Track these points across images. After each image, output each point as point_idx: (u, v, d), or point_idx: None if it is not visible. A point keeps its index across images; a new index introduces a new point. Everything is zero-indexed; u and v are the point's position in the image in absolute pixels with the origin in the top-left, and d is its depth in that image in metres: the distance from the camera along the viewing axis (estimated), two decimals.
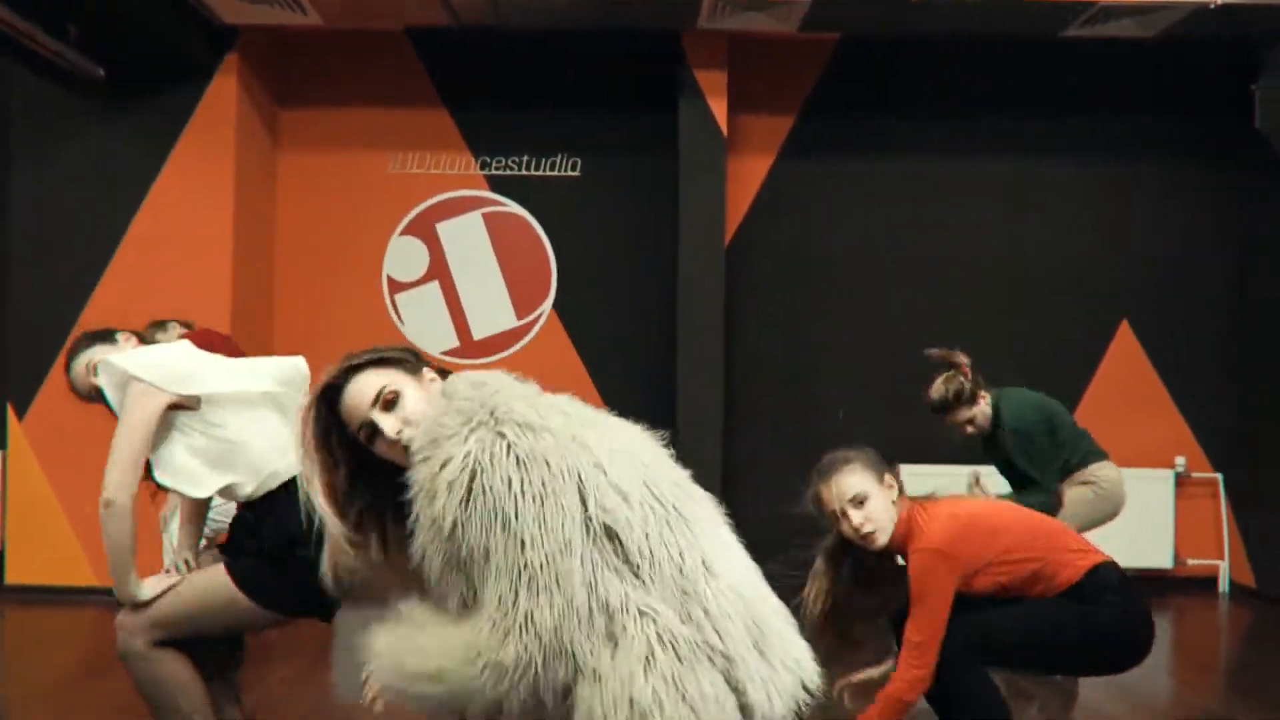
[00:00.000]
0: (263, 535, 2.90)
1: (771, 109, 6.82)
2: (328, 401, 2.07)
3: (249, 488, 2.92)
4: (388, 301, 6.77)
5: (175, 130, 6.10)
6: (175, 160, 6.10)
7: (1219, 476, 6.82)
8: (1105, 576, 2.92)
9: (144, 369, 2.87)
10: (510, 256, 6.80)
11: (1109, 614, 2.89)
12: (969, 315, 6.71)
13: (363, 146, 6.77)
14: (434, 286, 6.79)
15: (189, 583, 2.89)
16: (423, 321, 6.77)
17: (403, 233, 6.75)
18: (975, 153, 6.85)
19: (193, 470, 2.94)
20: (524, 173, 6.80)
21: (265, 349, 6.49)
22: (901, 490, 2.98)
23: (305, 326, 6.49)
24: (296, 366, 3.07)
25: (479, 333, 6.78)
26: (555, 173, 6.79)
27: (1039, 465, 4.38)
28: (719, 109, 6.31)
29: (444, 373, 2.14)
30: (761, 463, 6.77)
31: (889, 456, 3.05)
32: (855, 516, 2.89)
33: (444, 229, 6.78)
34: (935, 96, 6.86)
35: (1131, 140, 6.85)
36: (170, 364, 2.91)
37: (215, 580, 2.87)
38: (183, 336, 3.88)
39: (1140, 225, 6.86)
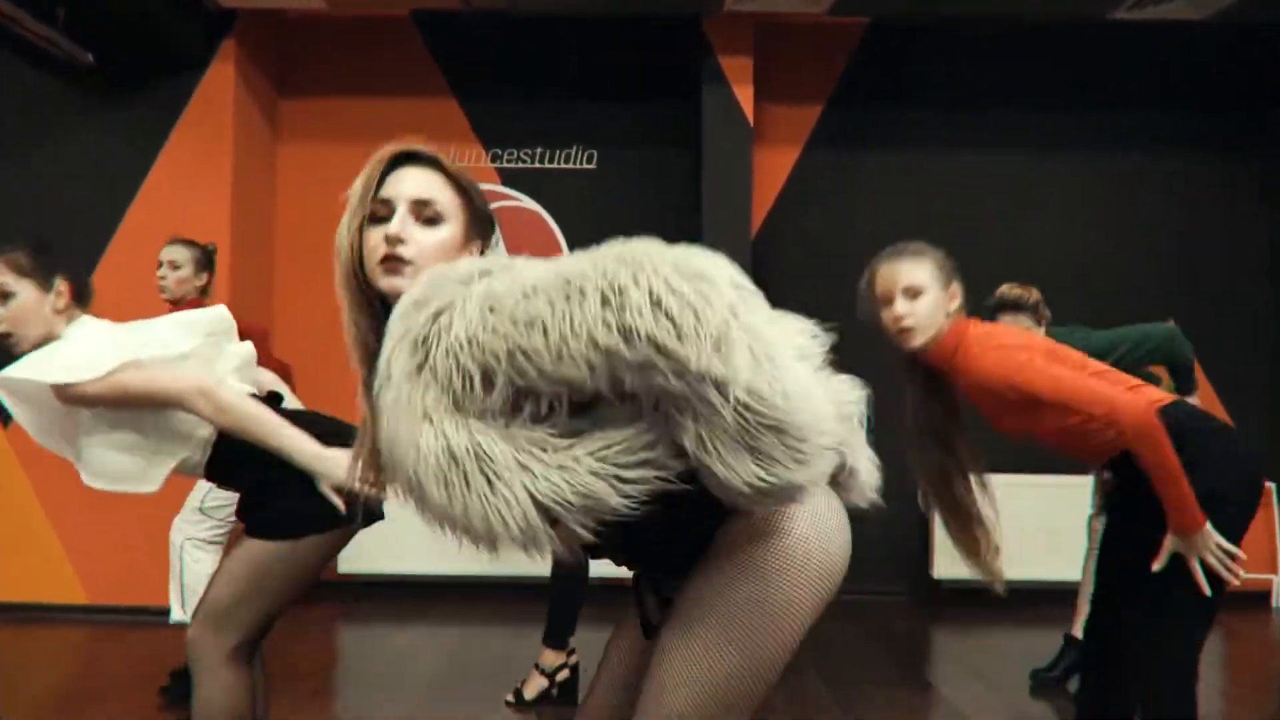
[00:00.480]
0: (244, 479, 2.73)
1: (798, 99, 6.57)
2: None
3: (197, 455, 2.74)
4: None
5: (169, 120, 5.82)
6: (169, 152, 5.83)
7: (1272, 486, 6.51)
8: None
9: (60, 373, 2.61)
10: (522, 253, 6.47)
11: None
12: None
13: (367, 138, 6.35)
14: None
15: (234, 560, 2.66)
16: None
17: None
18: (1007, 145, 6.61)
19: (131, 469, 2.77)
20: (537, 165, 6.55)
21: (266, 348, 6.21)
22: (962, 309, 2.72)
23: (305, 325, 6.19)
24: (222, 315, 2.87)
25: None
26: (570, 165, 6.54)
27: None
28: (745, 96, 6.05)
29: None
30: None
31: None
32: (901, 307, 2.69)
33: None
34: (967, 87, 6.63)
35: (1170, 136, 6.61)
36: (78, 357, 2.64)
37: (250, 550, 2.65)
38: None
39: (1179, 220, 6.62)
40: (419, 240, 1.77)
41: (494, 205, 6.41)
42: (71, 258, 2.83)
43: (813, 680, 4.65)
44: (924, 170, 6.62)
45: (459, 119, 6.52)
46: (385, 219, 1.79)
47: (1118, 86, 6.63)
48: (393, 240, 1.74)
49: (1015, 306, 4.48)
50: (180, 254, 4.24)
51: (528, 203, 6.52)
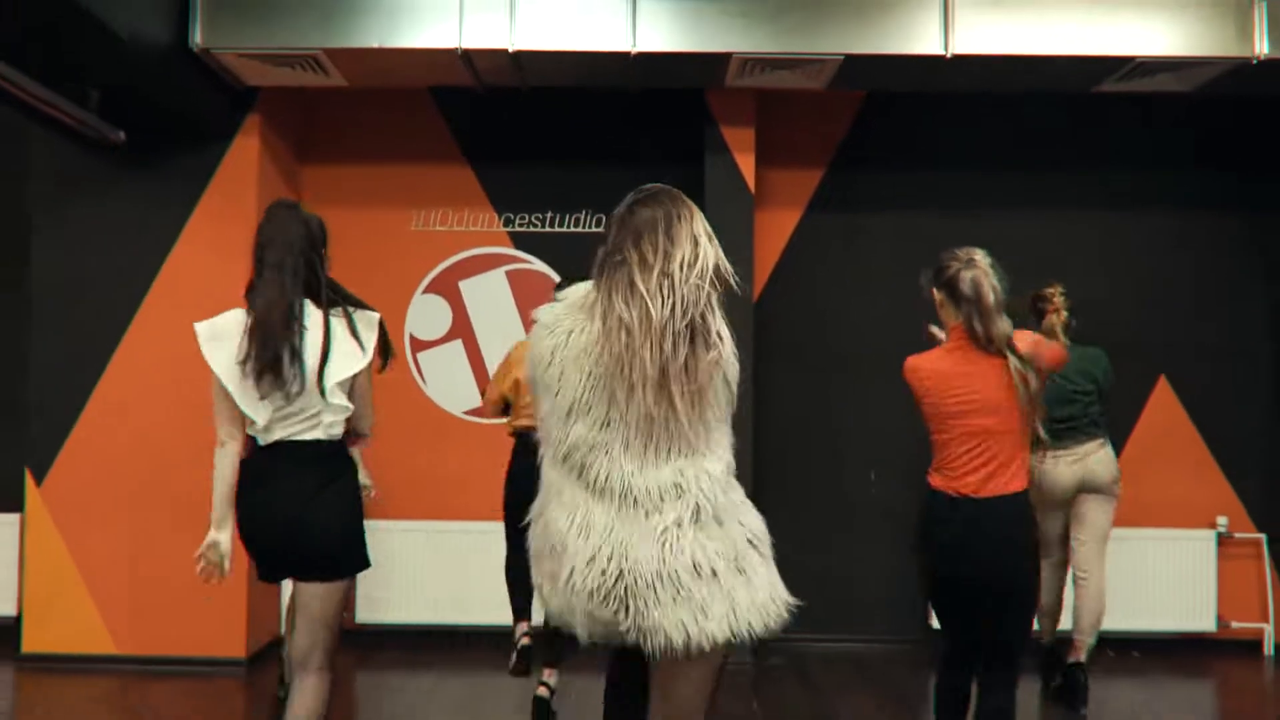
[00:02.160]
0: None
1: (799, 163, 6.79)
2: None
3: None
4: (410, 360, 6.73)
5: (196, 191, 6.05)
6: (196, 222, 6.05)
7: (1263, 537, 6.69)
8: None
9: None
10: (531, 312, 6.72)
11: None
12: None
13: (385, 203, 6.73)
14: (457, 345, 6.75)
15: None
16: (445, 380, 6.74)
17: (425, 290, 6.72)
18: (1006, 206, 6.78)
19: None
20: (548, 229, 6.76)
21: None
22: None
23: None
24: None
25: None
26: (579, 229, 6.74)
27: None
28: (746, 166, 6.26)
29: None
30: (792, 521, 6.65)
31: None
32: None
33: (467, 286, 6.74)
34: (964, 150, 6.82)
35: (1165, 194, 6.78)
36: None
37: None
38: None
39: (1177, 281, 6.79)
40: None
41: (506, 267, 6.70)
42: None
43: None
44: (922, 232, 6.68)
45: (473, 185, 6.75)
46: None
47: (1111, 149, 6.80)
48: None
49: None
50: None
51: (538, 264, 6.72)
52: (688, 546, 2.47)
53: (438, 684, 5.65)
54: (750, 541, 2.57)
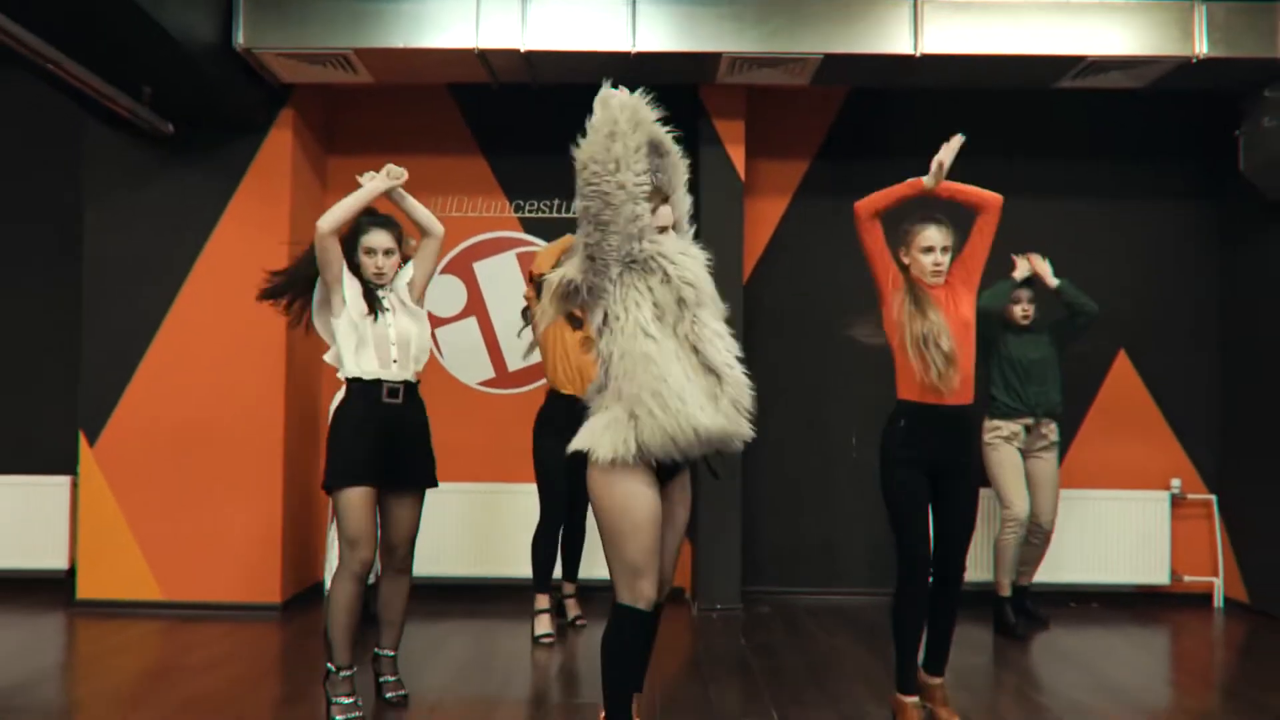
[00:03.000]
0: None
1: (787, 154, 7.25)
2: None
3: None
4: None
5: (235, 179, 6.55)
6: (235, 206, 6.54)
7: (1213, 498, 7.18)
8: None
9: None
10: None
11: None
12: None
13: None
14: (471, 321, 7.23)
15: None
16: (461, 354, 7.22)
17: (442, 271, 7.18)
18: None
19: None
20: (555, 215, 7.24)
21: (316, 379, 6.95)
22: None
23: None
24: None
25: (513, 364, 7.19)
26: None
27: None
28: (737, 156, 6.72)
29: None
30: (779, 484, 7.17)
31: None
32: (941, 258, 4.32)
33: (480, 268, 7.23)
34: (940, 140, 7.10)
35: (1126, 183, 7.26)
36: None
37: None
38: None
39: (1136, 262, 7.25)
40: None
41: (517, 250, 7.16)
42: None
43: (803, 677, 5.33)
44: (902, 218, 7.23)
45: (487, 175, 7.24)
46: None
47: (1076, 140, 7.27)
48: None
49: (1024, 283, 6.29)
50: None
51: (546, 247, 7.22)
52: None
53: (454, 630, 6.14)
54: None
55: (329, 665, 4.22)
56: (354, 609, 4.18)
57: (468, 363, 7.23)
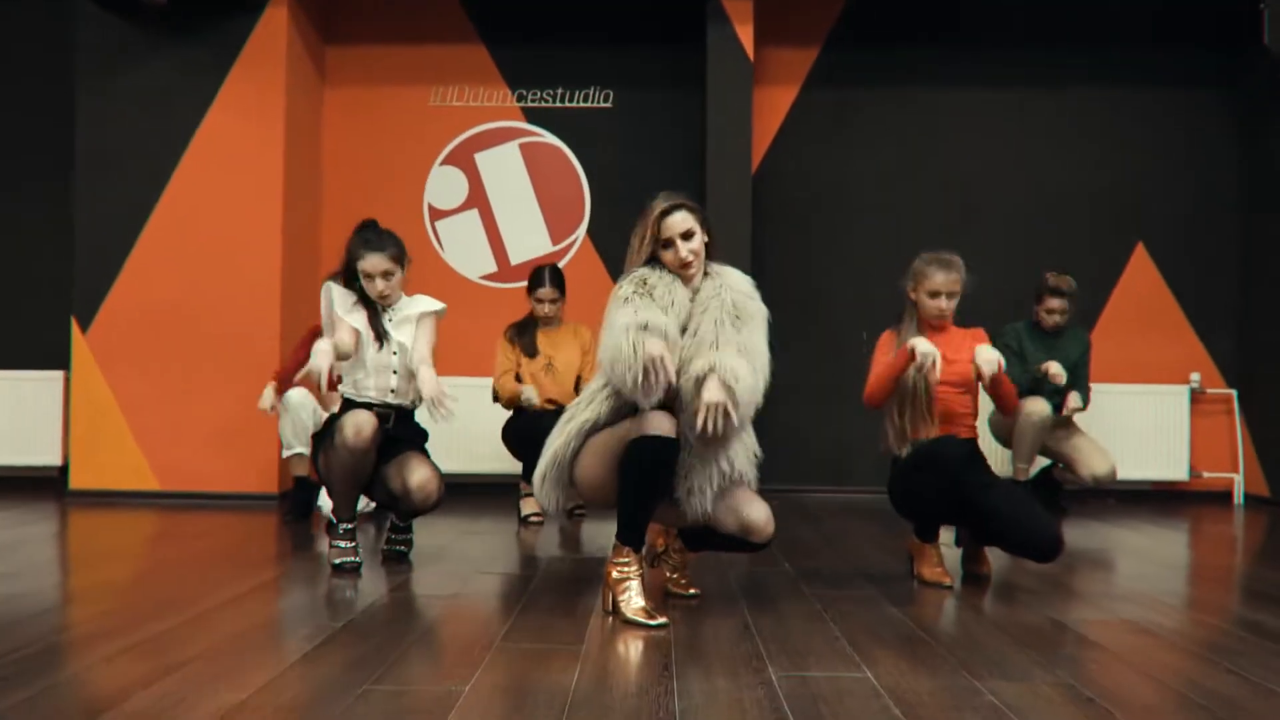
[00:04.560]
0: None
1: (797, 41, 7.06)
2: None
3: None
4: (429, 228, 7.05)
5: (228, 60, 6.36)
6: (229, 89, 6.37)
7: (1233, 392, 7.02)
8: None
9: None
10: (546, 185, 7.07)
11: None
12: (989, 240, 6.93)
13: (405, 81, 7.05)
14: (473, 214, 7.06)
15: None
16: (462, 247, 7.06)
17: (443, 163, 7.03)
18: (992, 82, 7.07)
19: None
20: (559, 105, 7.06)
21: (313, 272, 6.79)
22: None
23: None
24: None
25: (516, 258, 7.05)
26: (589, 104, 7.05)
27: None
28: (745, 36, 6.53)
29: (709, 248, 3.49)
30: (787, 386, 6.99)
31: None
32: (946, 305, 3.97)
33: (482, 159, 7.05)
34: (954, 27, 7.08)
35: (1143, 68, 7.06)
36: None
37: None
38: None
39: (1153, 151, 7.06)
40: (693, 248, 3.41)
41: (520, 140, 7.00)
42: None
43: (817, 545, 5.18)
44: (915, 108, 7.07)
45: (488, 63, 7.06)
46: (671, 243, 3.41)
47: (1103, 25, 7.04)
48: (687, 255, 3.40)
49: (1056, 291, 6.04)
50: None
51: (550, 138, 7.05)
52: None
53: (462, 513, 6.00)
54: None
55: (330, 517, 4.11)
56: (353, 471, 4.03)
57: (469, 256, 7.08)
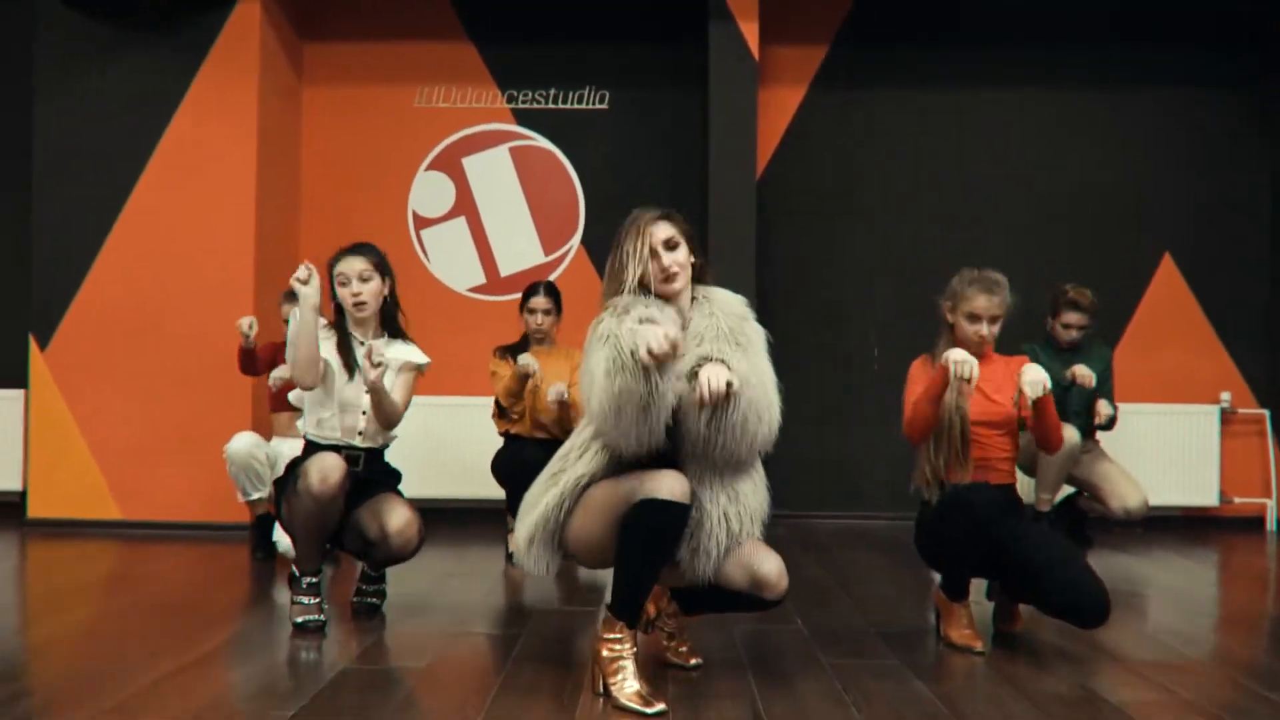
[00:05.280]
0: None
1: (804, 38, 6.69)
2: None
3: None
4: (413, 237, 6.68)
5: (196, 60, 5.99)
6: (197, 90, 6.00)
7: (1266, 413, 6.64)
8: None
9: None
10: (537, 191, 6.69)
11: None
12: (1007, 249, 6.55)
13: (388, 80, 6.67)
14: (460, 222, 6.69)
15: None
16: (449, 258, 6.68)
17: (428, 167, 6.66)
18: (1012, 83, 6.71)
19: None
20: (551, 106, 6.70)
21: (287, 276, 6.40)
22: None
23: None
24: None
25: (506, 269, 6.68)
26: (583, 105, 6.69)
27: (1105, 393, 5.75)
28: (750, 33, 6.15)
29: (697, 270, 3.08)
30: (793, 404, 6.60)
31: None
32: (987, 331, 3.60)
33: (470, 163, 6.68)
34: (973, 24, 6.71)
35: (1168, 71, 6.69)
36: None
37: None
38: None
39: (1180, 158, 6.70)
40: (677, 260, 2.99)
41: (510, 144, 6.63)
42: None
43: (829, 585, 4.81)
44: (931, 110, 6.70)
45: (476, 62, 6.67)
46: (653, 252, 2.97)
47: (1118, 23, 6.70)
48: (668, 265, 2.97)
49: (1074, 305, 5.64)
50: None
51: (542, 141, 6.67)
52: None
53: (433, 552, 5.63)
54: None
55: (293, 569, 3.72)
56: (317, 521, 3.63)
57: (456, 267, 6.70)
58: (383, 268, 3.89)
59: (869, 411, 6.63)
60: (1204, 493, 6.52)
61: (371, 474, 3.88)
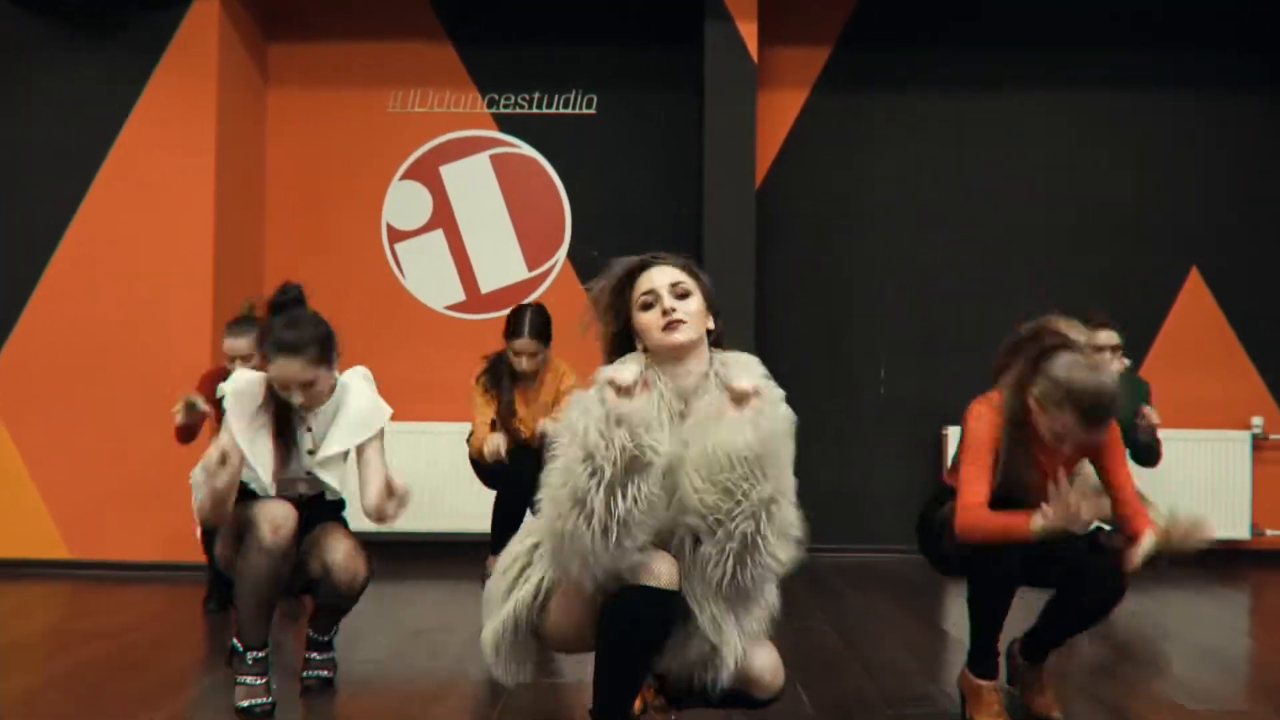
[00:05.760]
0: None
1: (805, 39, 6.48)
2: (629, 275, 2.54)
3: None
4: (387, 251, 6.43)
5: (149, 63, 5.73)
6: (151, 93, 5.74)
7: None
8: None
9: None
10: (520, 202, 6.46)
11: None
12: (1018, 261, 6.41)
13: (360, 83, 6.45)
14: (437, 235, 6.46)
15: None
16: (425, 273, 6.44)
17: (403, 176, 6.44)
18: (1024, 86, 6.50)
19: None
20: (535, 110, 6.48)
21: (250, 293, 6.11)
22: None
23: (296, 278, 6.02)
24: None
25: (486, 285, 6.44)
26: (569, 110, 6.48)
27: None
28: (749, 34, 5.90)
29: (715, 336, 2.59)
30: (797, 433, 6.30)
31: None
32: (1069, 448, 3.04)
33: (448, 172, 6.45)
34: (984, 25, 6.49)
35: (1191, 73, 6.46)
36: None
37: None
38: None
39: (1207, 165, 6.46)
40: (688, 309, 2.50)
41: (491, 151, 6.34)
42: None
43: (828, 632, 4.47)
44: (939, 115, 6.50)
45: (454, 63, 6.46)
46: (656, 297, 2.49)
47: (1136, 24, 6.49)
48: (673, 308, 2.48)
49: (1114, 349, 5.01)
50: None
51: (526, 149, 6.47)
52: None
53: (407, 595, 5.27)
54: None
55: (235, 642, 3.30)
56: (270, 579, 3.22)
57: (433, 283, 6.46)
58: (325, 358, 3.29)
59: (876, 438, 6.40)
60: (1235, 525, 6.24)
61: (316, 511, 3.49)
